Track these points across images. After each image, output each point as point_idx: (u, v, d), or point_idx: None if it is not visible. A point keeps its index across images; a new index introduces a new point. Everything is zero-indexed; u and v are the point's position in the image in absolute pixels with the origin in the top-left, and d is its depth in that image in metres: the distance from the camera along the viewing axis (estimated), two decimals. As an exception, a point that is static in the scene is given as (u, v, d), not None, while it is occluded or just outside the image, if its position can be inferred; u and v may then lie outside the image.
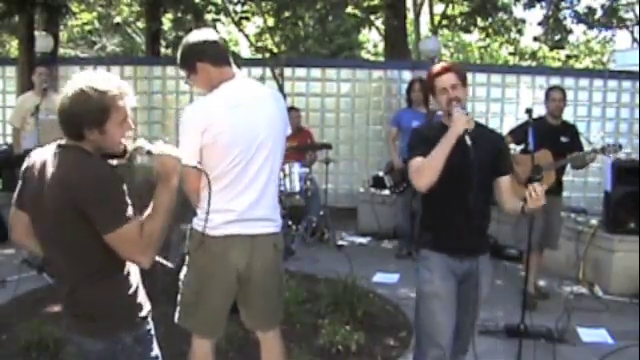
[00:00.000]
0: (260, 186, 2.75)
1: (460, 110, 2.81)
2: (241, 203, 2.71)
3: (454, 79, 2.88)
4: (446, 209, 2.90)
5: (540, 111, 5.18)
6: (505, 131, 5.55)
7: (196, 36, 2.77)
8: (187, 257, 2.85)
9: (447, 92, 2.88)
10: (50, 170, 2.08)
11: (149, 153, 2.14)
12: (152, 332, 2.28)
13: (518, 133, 5.01)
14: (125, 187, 2.09)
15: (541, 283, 5.41)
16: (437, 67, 2.99)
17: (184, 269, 2.85)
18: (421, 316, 2.96)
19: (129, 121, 2.14)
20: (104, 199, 2.02)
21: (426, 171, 2.78)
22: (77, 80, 2.08)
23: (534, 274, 5.09)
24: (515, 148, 5.15)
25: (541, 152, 4.92)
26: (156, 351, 2.30)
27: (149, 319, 2.26)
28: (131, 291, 2.20)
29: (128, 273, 2.19)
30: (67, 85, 2.10)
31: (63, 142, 2.14)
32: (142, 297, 2.25)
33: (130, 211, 2.07)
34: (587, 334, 4.44)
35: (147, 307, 2.26)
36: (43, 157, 2.14)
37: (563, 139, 5.02)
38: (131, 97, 2.14)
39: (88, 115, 2.04)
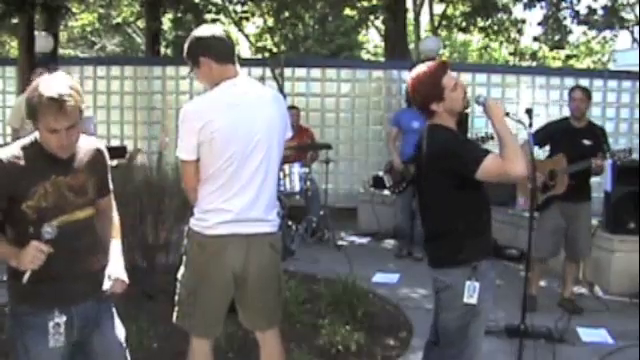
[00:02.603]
0: (256, 186, 2.74)
1: (491, 99, 2.76)
2: (237, 203, 2.71)
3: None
4: (486, 210, 2.81)
5: (540, 111, 5.16)
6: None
7: (203, 31, 2.78)
8: (184, 257, 2.86)
9: (458, 86, 2.72)
10: None
11: (41, 239, 2.21)
12: (39, 321, 2.28)
13: (540, 136, 4.85)
14: (5, 181, 2.20)
15: (541, 283, 5.41)
16: (433, 67, 2.76)
17: (181, 269, 2.86)
18: (470, 336, 2.77)
19: (57, 136, 2.18)
20: None
21: (520, 155, 2.57)
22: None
23: (570, 282, 5.05)
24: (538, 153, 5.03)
25: (557, 156, 4.88)
26: (48, 343, 2.29)
27: (43, 309, 2.28)
28: (20, 277, 2.19)
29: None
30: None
31: None
32: (31, 293, 2.24)
33: None
34: (587, 334, 4.44)
35: (33, 296, 2.26)
36: None
37: (586, 142, 4.78)
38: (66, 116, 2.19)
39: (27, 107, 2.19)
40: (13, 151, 2.24)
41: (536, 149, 4.99)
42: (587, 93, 4.93)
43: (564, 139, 4.85)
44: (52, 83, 2.16)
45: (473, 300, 2.69)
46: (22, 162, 2.22)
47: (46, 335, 2.28)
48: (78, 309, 2.35)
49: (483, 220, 2.79)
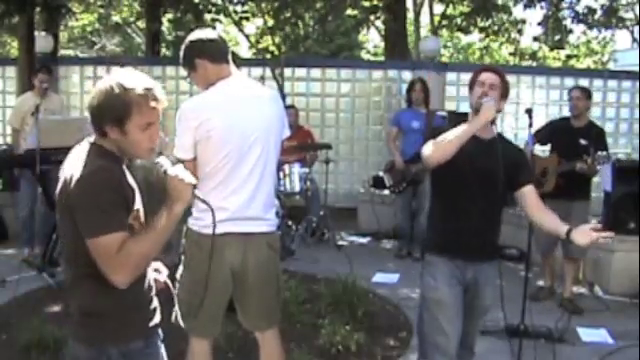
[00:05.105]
0: (253, 185, 2.76)
1: (491, 101, 2.80)
2: (234, 202, 2.73)
3: (496, 81, 2.88)
4: (457, 211, 2.87)
5: (540, 111, 5.19)
6: (505, 130, 5.54)
7: (196, 35, 2.83)
8: (182, 257, 2.86)
9: (483, 86, 2.87)
10: (66, 165, 2.00)
11: (165, 173, 2.05)
12: (151, 351, 2.14)
13: (542, 134, 5.01)
14: (124, 195, 1.98)
15: (540, 283, 5.41)
16: (487, 65, 3.05)
17: (180, 269, 2.86)
18: (426, 324, 2.91)
19: (156, 128, 2.00)
20: (90, 203, 1.89)
21: (441, 146, 2.72)
22: (109, 76, 2.00)
23: (570, 282, 5.06)
24: (536, 148, 5.07)
25: (552, 155, 4.99)
26: None
27: (150, 338, 2.14)
28: (126, 303, 2.03)
29: (129, 285, 1.97)
30: (99, 81, 2.02)
31: (92, 139, 2.04)
32: (143, 313, 2.11)
33: (117, 222, 1.92)
34: (587, 334, 4.44)
35: (146, 325, 2.12)
36: (73, 153, 2.04)
37: (582, 141, 4.83)
38: (162, 103, 2.00)
39: (108, 110, 1.95)
40: (105, 164, 1.97)
41: (539, 146, 5.08)
42: (586, 92, 5.02)
43: (562, 138, 4.97)
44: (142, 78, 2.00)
45: None
46: (117, 172, 2.00)
47: None
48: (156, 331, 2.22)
49: (444, 223, 2.93)
